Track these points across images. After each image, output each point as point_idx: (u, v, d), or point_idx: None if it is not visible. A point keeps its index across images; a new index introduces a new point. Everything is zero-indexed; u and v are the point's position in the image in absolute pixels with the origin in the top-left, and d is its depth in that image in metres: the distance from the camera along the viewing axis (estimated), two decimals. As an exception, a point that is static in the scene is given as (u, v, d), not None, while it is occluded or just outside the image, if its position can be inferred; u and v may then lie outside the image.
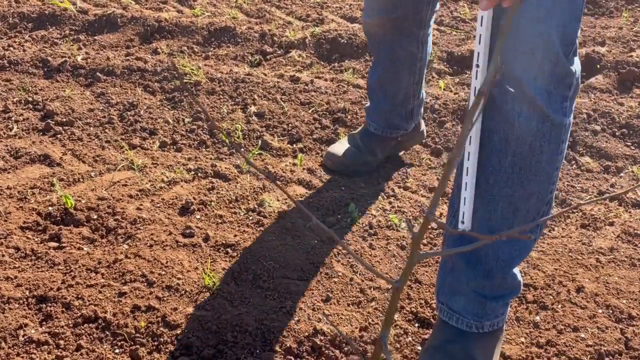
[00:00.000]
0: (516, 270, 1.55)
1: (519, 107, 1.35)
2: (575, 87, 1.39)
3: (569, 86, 1.37)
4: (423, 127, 2.37)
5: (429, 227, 2.02)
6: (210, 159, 2.28)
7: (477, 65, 1.33)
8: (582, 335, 1.67)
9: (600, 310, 1.75)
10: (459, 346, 1.53)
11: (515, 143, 1.39)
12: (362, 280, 1.81)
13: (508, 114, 1.36)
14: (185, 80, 2.67)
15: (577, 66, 1.38)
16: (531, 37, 1.30)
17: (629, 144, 2.50)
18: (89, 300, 1.65)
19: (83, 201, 1.98)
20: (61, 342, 1.54)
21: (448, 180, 0.90)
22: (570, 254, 1.96)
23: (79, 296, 1.66)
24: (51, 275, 1.72)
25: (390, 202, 2.13)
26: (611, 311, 1.75)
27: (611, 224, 2.09)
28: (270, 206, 2.05)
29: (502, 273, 1.54)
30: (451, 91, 2.78)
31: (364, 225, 2.00)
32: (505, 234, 0.85)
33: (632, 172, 2.34)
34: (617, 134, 2.55)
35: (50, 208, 1.94)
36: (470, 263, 1.52)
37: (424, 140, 2.43)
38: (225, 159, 2.29)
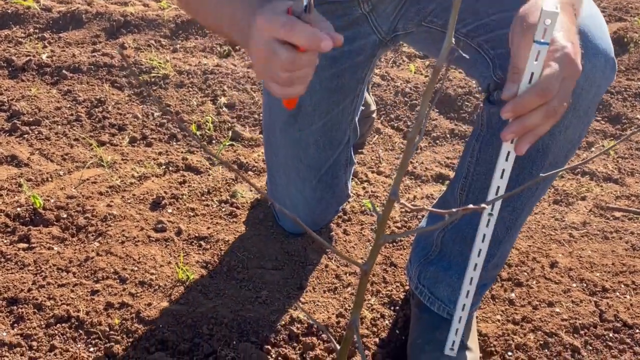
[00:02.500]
0: None
1: (568, 121, 1.28)
2: None
3: None
4: (372, 105, 2.34)
5: (402, 209, 2.02)
6: (181, 152, 2.26)
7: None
8: (557, 310, 1.68)
9: (574, 285, 1.77)
10: (445, 332, 1.54)
11: (553, 154, 1.33)
12: (338, 267, 1.80)
13: (554, 128, 1.25)
14: (153, 74, 2.64)
15: None
16: (596, 42, 1.26)
17: (598, 118, 2.51)
18: (61, 300, 1.63)
19: (52, 200, 1.96)
20: (34, 343, 1.52)
21: (410, 159, 0.90)
22: (543, 230, 1.97)
23: (51, 296, 1.64)
24: (21, 276, 1.70)
25: (364, 187, 2.12)
26: (585, 285, 1.77)
27: (583, 198, 2.10)
28: (242, 197, 2.04)
29: (497, 269, 1.55)
30: (422, 74, 2.77)
31: (339, 211, 2.00)
32: (463, 209, 0.84)
33: (603, 146, 2.36)
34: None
35: (18, 209, 1.91)
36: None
37: (395, 124, 2.43)
38: (196, 151, 2.27)
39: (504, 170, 1.15)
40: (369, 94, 2.35)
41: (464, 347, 1.53)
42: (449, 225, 1.52)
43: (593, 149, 2.35)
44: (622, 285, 1.76)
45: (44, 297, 1.64)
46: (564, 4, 1.09)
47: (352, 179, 2.11)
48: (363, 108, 2.28)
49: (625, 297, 1.73)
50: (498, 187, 1.17)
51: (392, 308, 1.70)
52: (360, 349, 0.83)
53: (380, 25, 1.63)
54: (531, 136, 1.07)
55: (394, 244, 1.91)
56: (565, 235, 1.94)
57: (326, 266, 1.80)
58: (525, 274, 1.80)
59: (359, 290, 1.02)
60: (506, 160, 1.14)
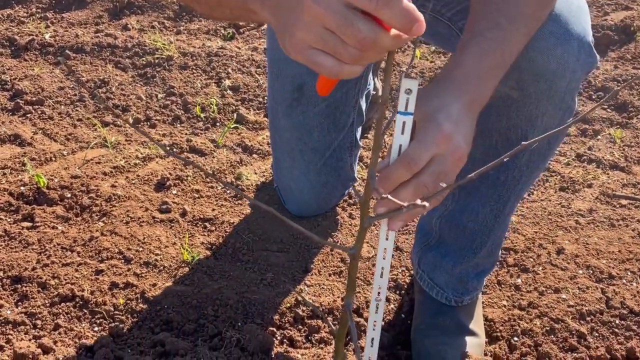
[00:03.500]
0: None
1: (544, 108, 1.26)
2: None
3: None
4: (378, 90, 2.33)
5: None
6: (186, 134, 2.24)
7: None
8: (564, 296, 1.68)
9: (580, 271, 1.76)
10: (448, 318, 1.54)
11: (534, 143, 1.32)
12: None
13: (531, 115, 1.26)
14: (157, 56, 2.62)
15: None
16: (569, 27, 1.21)
17: (605, 106, 2.50)
18: (65, 279, 1.62)
19: (56, 180, 1.94)
20: (38, 322, 1.51)
21: (381, 139, 0.84)
22: (549, 216, 1.96)
23: (55, 275, 1.63)
24: (25, 255, 1.68)
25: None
26: (591, 271, 1.76)
27: (589, 185, 2.09)
28: (248, 179, 2.02)
29: (494, 256, 1.54)
30: (427, 59, 2.76)
31: (345, 194, 1.98)
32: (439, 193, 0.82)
33: (609, 134, 2.35)
34: (593, 97, 2.55)
35: (22, 188, 1.90)
36: (464, 247, 1.51)
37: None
38: (201, 133, 2.25)
39: (385, 249, 1.01)
40: (377, 80, 2.34)
41: (469, 331, 1.53)
42: (444, 211, 1.52)
43: (599, 136, 2.34)
44: (629, 273, 1.76)
45: (49, 276, 1.63)
46: (461, 93, 1.00)
47: (358, 163, 2.10)
48: (374, 93, 2.27)
49: (631, 285, 1.72)
50: (382, 268, 1.02)
51: (397, 292, 1.69)
52: (353, 332, 0.82)
53: None
54: (407, 214, 0.95)
55: (400, 228, 1.90)
56: (572, 222, 1.93)
57: (331, 249, 1.79)
58: (532, 260, 1.79)
59: (349, 274, 1.01)
60: (386, 239, 1.01)
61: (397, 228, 0.97)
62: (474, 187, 1.43)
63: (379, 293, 1.03)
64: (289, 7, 0.89)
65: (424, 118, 0.96)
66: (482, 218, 1.46)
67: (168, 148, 2.10)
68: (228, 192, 1.98)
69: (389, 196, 0.82)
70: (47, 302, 1.57)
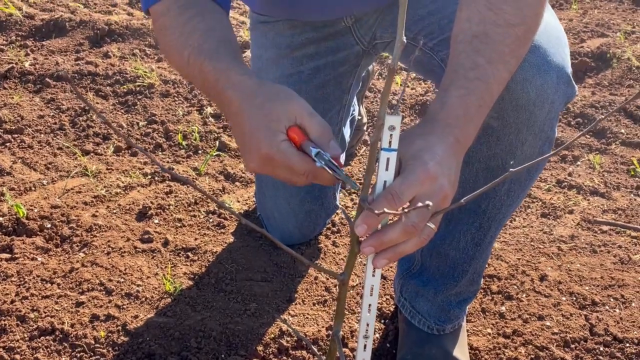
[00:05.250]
0: None
1: (523, 137, 1.26)
2: None
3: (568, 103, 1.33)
4: (364, 118, 2.34)
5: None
6: (167, 162, 2.23)
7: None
8: (548, 324, 1.68)
9: (564, 298, 1.76)
10: (434, 347, 1.53)
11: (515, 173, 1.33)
12: (327, 279, 1.78)
13: (511, 144, 1.27)
14: (138, 83, 2.61)
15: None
16: (548, 59, 1.23)
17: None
18: (45, 312, 1.59)
19: (35, 210, 1.91)
20: (17, 356, 1.48)
21: (374, 163, 0.91)
22: (532, 243, 1.96)
23: (35, 308, 1.60)
24: (4, 287, 1.65)
25: (352, 199, 2.11)
26: (575, 298, 1.76)
27: (570, 212, 2.11)
28: (230, 207, 2.01)
29: (476, 285, 1.54)
30: (408, 86, 2.77)
31: (328, 222, 1.98)
32: (410, 208, 0.83)
33: (588, 160, 2.37)
34: (572, 123, 2.58)
35: (1, 219, 1.87)
36: (445, 275, 1.51)
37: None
38: (183, 161, 2.24)
39: (372, 286, 1.01)
40: (362, 107, 2.35)
41: None
42: None
43: (579, 162, 2.36)
44: (612, 299, 1.76)
45: (28, 308, 1.60)
46: (445, 134, 1.01)
47: (340, 190, 2.09)
48: (359, 118, 2.27)
49: (614, 311, 1.73)
50: (369, 305, 1.02)
51: (382, 321, 1.68)
52: (342, 360, 0.81)
53: (363, 36, 1.63)
54: (391, 252, 0.96)
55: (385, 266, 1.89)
56: (554, 249, 1.94)
57: (315, 278, 1.78)
58: (515, 287, 1.79)
59: (338, 300, 1.01)
60: (373, 275, 1.00)
61: (382, 266, 0.97)
62: (455, 215, 1.43)
63: (366, 330, 1.03)
64: (241, 132, 1.06)
65: (410, 157, 0.96)
66: (463, 246, 1.46)
67: (168, 169, 2.08)
68: (211, 220, 1.96)
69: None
70: (26, 335, 1.53)
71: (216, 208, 2.01)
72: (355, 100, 2.16)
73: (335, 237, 1.95)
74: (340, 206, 1.95)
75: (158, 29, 1.25)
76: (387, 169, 0.94)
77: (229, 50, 1.16)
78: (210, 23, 1.19)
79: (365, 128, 2.37)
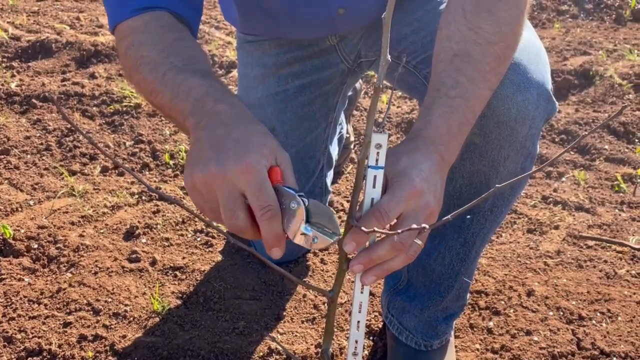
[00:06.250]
0: None
1: (505, 153, 1.28)
2: None
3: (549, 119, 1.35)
4: (351, 136, 2.36)
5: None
6: (154, 181, 2.24)
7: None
8: (535, 339, 1.69)
9: (551, 313, 1.78)
10: None
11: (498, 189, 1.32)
12: (315, 296, 1.79)
13: (493, 160, 1.29)
14: (124, 104, 2.62)
15: None
16: (528, 76, 1.25)
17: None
18: (32, 333, 1.59)
19: (22, 231, 1.91)
20: (4, 378, 1.48)
21: (362, 180, 0.92)
22: (518, 258, 1.98)
23: (22, 329, 1.59)
24: (-10, 309, 1.65)
25: (340, 217, 2.12)
26: (562, 313, 1.78)
27: (556, 227, 2.13)
28: (218, 226, 2.01)
29: (462, 300, 1.56)
30: (394, 105, 2.80)
31: (314, 241, 1.99)
32: (407, 229, 0.84)
33: (573, 176, 2.40)
34: (556, 140, 2.61)
35: (-13, 239, 1.86)
36: (432, 291, 1.53)
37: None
38: (170, 181, 2.25)
39: (361, 303, 1.02)
40: (349, 125, 2.37)
41: None
42: None
43: (564, 178, 2.39)
44: (598, 314, 1.78)
45: (15, 329, 1.59)
46: (430, 152, 1.02)
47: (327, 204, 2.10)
48: (347, 136, 2.29)
49: (601, 325, 1.74)
50: (358, 322, 1.03)
51: (371, 338, 1.69)
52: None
53: (348, 54, 1.66)
54: (379, 269, 0.97)
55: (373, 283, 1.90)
56: (541, 264, 1.96)
57: (304, 296, 1.79)
58: (503, 302, 1.81)
59: (327, 318, 1.02)
60: (361, 292, 1.02)
61: (370, 283, 0.98)
62: (439, 231, 1.44)
63: (355, 347, 1.03)
64: (224, 137, 0.97)
65: (396, 174, 0.98)
66: (448, 261, 1.47)
67: (156, 188, 2.09)
68: (198, 239, 1.97)
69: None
70: (13, 356, 1.53)
71: (204, 227, 2.02)
72: (343, 118, 2.18)
73: (324, 255, 1.95)
74: None
75: (129, 44, 1.19)
76: (374, 187, 0.95)
77: (215, 77, 1.15)
78: (195, 53, 1.17)
79: (352, 146, 2.39)
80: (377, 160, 0.93)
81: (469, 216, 1.40)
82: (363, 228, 0.86)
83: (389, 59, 0.81)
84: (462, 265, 1.48)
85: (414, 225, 0.81)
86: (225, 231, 1.01)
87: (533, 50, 1.30)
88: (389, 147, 0.96)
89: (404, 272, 1.57)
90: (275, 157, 0.96)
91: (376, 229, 0.87)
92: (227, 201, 0.93)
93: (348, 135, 2.32)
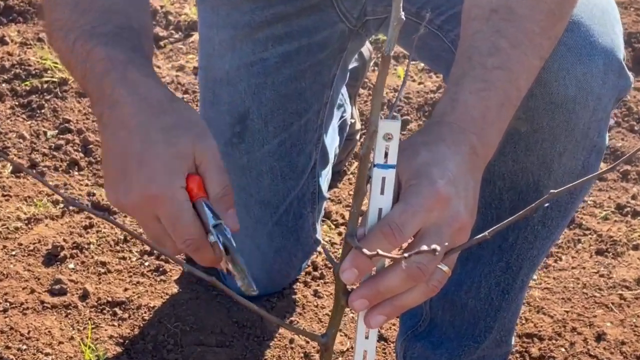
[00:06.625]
0: None
1: (561, 146, 1.29)
2: None
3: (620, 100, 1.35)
4: (357, 123, 2.37)
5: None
6: (86, 185, 2.23)
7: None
8: (608, 399, 1.69)
9: (629, 364, 1.78)
10: None
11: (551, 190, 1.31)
12: (307, 342, 1.79)
13: (546, 155, 1.30)
14: (46, 79, 2.61)
15: None
16: (592, 40, 1.24)
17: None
18: None
19: None
20: None
21: (365, 183, 0.90)
22: (584, 290, 1.98)
23: None
24: None
25: (340, 233, 2.12)
26: (643, 364, 1.78)
27: (635, 247, 2.13)
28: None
29: (505, 346, 1.55)
30: (414, 80, 2.80)
31: (306, 264, 1.98)
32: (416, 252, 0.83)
33: (657, 177, 2.40)
34: (635, 128, 2.61)
35: None
36: (463, 334, 1.54)
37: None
38: (108, 184, 2.24)
39: (366, 352, 1.01)
40: (354, 108, 2.36)
41: None
42: None
43: None
44: (693, 364, 1.78)
45: None
46: (459, 143, 1.01)
47: (322, 220, 2.10)
48: (352, 121, 2.28)
49: (697, 380, 1.74)
50: None
51: (383, 398, 1.69)
52: None
53: (350, 10, 1.65)
54: (390, 306, 0.95)
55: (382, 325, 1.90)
56: (614, 297, 1.96)
57: (291, 341, 1.79)
58: (563, 350, 1.81)
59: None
60: (366, 338, 1.01)
61: (378, 325, 0.97)
62: (473, 252, 1.44)
63: None
64: (124, 152, 1.03)
65: (413, 174, 0.96)
66: (485, 294, 1.47)
67: (86, 196, 2.08)
68: (147, 264, 1.97)
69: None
70: None
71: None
72: (345, 97, 2.17)
73: (318, 285, 1.95)
74: (322, 242, 1.96)
75: (43, 1, 1.22)
76: (382, 192, 0.94)
77: (133, 38, 1.14)
78: (112, 4, 1.17)
79: (358, 137, 2.39)
80: (386, 156, 0.92)
81: (513, 232, 1.40)
82: (366, 250, 0.84)
83: (403, 16, 0.79)
84: (503, 299, 1.48)
85: (436, 246, 0.79)
86: (177, 256, 1.03)
87: (599, 4, 1.29)
88: (403, 139, 0.95)
89: (426, 309, 1.58)
90: (193, 161, 1.01)
91: (382, 251, 0.82)
92: (149, 232, 1.04)
93: (353, 122, 2.32)
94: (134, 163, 1.01)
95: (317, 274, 1.98)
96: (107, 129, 1.06)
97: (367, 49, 2.35)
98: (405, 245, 0.96)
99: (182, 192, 0.99)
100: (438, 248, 0.76)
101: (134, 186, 1.00)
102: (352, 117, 2.31)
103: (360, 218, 0.93)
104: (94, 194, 2.17)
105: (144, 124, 1.02)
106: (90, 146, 2.36)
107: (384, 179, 0.93)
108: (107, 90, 1.05)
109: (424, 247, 0.77)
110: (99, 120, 1.08)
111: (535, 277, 1.98)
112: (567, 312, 1.92)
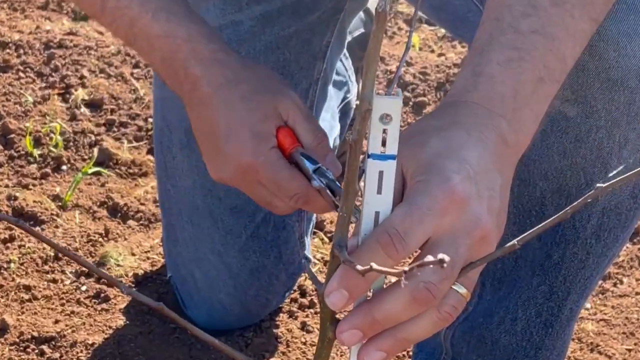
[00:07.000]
0: None
1: (622, 135, 1.28)
2: None
3: None
4: None
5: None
6: (7, 186, 2.26)
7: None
8: None
9: None
10: None
11: (607, 194, 1.30)
12: (290, 388, 1.83)
13: (601, 147, 1.29)
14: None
15: None
16: None
17: None
18: None
19: None
20: None
21: (356, 178, 0.83)
22: (652, 322, 2.02)
23: None
24: None
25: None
26: None
27: None
28: (119, 265, 2.03)
29: None
30: (432, 51, 2.83)
31: (291, 290, 2.01)
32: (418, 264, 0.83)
33: None
34: None
35: None
36: (481, 352, 1.57)
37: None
38: (34, 184, 2.26)
39: None
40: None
41: None
42: (460, 316, 1.52)
43: None
44: None
45: None
46: (482, 129, 0.98)
47: (313, 232, 2.14)
48: (357, 103, 2.30)
49: None
50: None
51: None
52: None
53: None
54: (390, 339, 0.93)
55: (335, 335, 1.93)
56: (690, 331, 1.99)
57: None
58: (623, 398, 1.84)
59: None
60: None
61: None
62: (507, 274, 1.47)
63: None
64: (212, 131, 1.27)
65: (419, 169, 0.94)
66: (523, 327, 1.49)
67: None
68: (84, 289, 1.98)
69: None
70: None
71: (96, 264, 2.04)
72: (348, 73, 2.19)
73: (307, 316, 1.99)
74: (311, 259, 1.98)
75: None
76: (379, 191, 0.91)
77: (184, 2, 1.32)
78: None
79: None
80: (384, 144, 0.89)
81: (558, 247, 1.41)
82: (359, 267, 0.76)
83: None
84: (547, 335, 1.49)
85: (444, 255, 0.74)
86: (121, 282, 0.96)
87: None
88: (409, 123, 0.98)
89: (446, 345, 1.60)
90: (280, 117, 1.23)
91: (377, 265, 0.74)
92: (257, 198, 1.28)
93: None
94: (222, 139, 1.24)
95: (305, 301, 2.01)
96: (192, 110, 1.29)
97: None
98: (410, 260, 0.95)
99: (274, 153, 1.20)
100: (447, 258, 0.71)
101: (229, 160, 1.24)
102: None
103: (350, 225, 0.87)
104: (15, 198, 2.19)
105: (223, 101, 1.24)
106: (12, 135, 2.38)
107: (381, 173, 0.90)
108: (181, 70, 1.26)
109: (429, 258, 0.71)
110: (181, 98, 1.30)
111: (588, 305, 2.01)
112: (629, 350, 1.94)
